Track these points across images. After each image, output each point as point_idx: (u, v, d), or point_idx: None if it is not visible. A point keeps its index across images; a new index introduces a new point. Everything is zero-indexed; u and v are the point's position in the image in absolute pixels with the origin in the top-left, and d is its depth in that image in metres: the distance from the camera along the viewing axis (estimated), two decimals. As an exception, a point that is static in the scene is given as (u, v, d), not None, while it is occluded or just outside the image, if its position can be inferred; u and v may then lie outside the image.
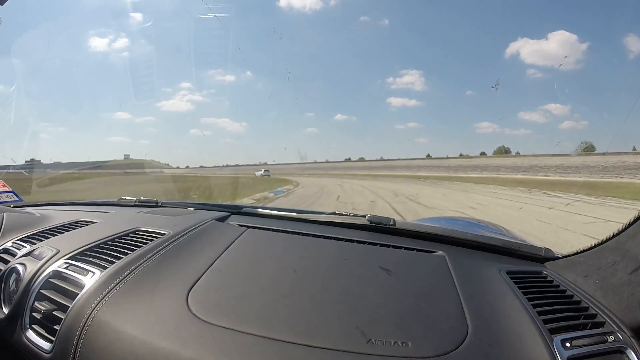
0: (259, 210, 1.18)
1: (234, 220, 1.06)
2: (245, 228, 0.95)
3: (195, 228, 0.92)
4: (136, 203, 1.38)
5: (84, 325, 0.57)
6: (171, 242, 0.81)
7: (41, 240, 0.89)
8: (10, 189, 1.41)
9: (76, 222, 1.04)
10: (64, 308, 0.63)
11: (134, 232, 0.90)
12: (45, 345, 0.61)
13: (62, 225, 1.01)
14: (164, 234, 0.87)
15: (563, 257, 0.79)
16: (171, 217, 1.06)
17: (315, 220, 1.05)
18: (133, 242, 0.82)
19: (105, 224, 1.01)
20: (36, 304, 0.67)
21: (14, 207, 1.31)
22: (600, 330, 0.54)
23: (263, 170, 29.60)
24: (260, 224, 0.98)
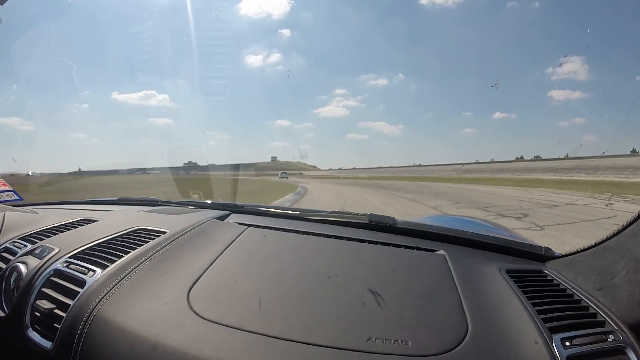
0: (260, 208, 1.17)
1: (234, 219, 1.06)
2: (246, 227, 0.95)
3: (196, 227, 0.92)
4: (136, 202, 1.39)
5: (85, 324, 0.57)
6: (172, 241, 0.81)
7: (42, 239, 0.90)
8: (11, 188, 1.41)
9: (77, 221, 1.04)
10: (64, 307, 0.63)
11: (134, 231, 0.90)
12: (46, 344, 0.61)
13: (63, 224, 1.02)
14: (165, 232, 0.87)
15: (563, 256, 0.79)
16: (172, 215, 1.06)
17: (316, 218, 1.05)
18: (134, 241, 0.82)
19: (106, 223, 1.01)
20: (37, 302, 0.67)
21: (14, 206, 1.31)
22: (600, 329, 0.54)
23: (280, 173, 30.90)
24: (261, 223, 0.99)
